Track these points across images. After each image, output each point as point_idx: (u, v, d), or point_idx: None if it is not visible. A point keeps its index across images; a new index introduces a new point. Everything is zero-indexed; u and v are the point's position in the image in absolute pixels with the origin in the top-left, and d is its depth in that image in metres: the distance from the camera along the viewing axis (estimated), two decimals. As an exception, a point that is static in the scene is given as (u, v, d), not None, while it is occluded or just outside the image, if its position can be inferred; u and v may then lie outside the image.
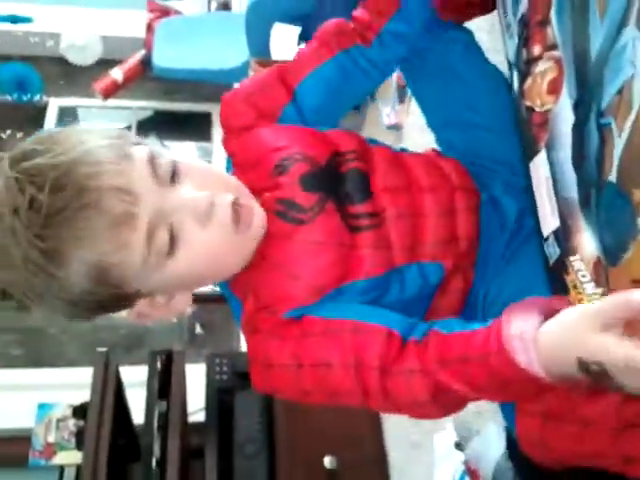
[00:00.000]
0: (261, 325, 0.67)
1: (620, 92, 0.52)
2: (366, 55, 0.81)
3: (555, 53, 0.61)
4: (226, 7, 3.15)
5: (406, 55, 0.84)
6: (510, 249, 0.76)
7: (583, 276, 0.57)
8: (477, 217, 0.76)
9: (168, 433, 1.66)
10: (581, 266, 0.58)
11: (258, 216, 0.69)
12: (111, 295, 0.63)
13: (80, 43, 2.90)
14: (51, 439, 1.83)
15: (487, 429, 1.38)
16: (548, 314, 0.54)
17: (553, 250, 0.62)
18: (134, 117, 3.26)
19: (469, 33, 0.85)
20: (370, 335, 0.63)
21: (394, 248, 0.71)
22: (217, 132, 3.12)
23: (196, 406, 1.83)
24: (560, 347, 0.52)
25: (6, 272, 0.62)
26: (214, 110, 2.76)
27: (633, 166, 0.51)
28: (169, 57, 2.53)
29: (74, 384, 1.91)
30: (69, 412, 1.85)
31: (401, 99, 1.91)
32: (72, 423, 1.84)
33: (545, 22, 0.63)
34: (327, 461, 1.76)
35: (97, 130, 0.65)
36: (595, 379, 0.51)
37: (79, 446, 1.79)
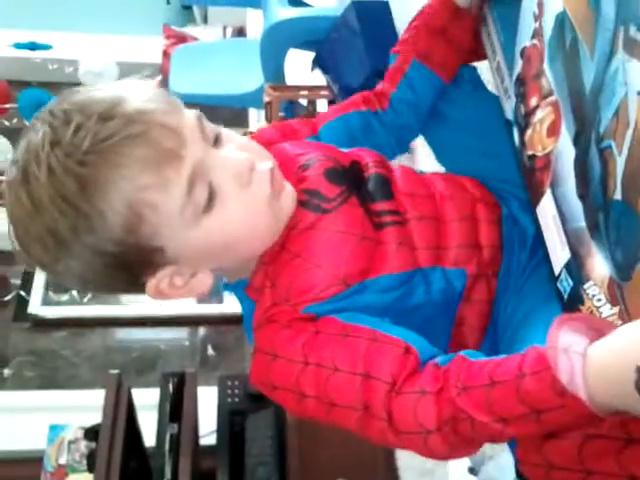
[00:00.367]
0: (278, 317, 0.66)
1: (616, 113, 0.53)
2: (383, 119, 0.85)
3: (551, 98, 0.63)
4: (241, 33, 3.20)
5: (416, 125, 0.87)
6: (529, 266, 0.76)
7: (599, 300, 0.57)
8: (499, 228, 0.76)
9: (179, 456, 1.65)
10: (595, 291, 0.58)
11: (288, 190, 0.69)
12: (138, 250, 0.61)
13: (97, 69, 2.94)
14: (62, 461, 1.83)
15: (501, 455, 1.37)
16: (594, 335, 0.49)
17: (567, 284, 0.62)
18: (150, 142, 3.28)
19: (471, 67, 0.89)
20: (386, 347, 0.61)
21: (417, 248, 0.70)
22: (231, 156, 3.14)
23: (208, 429, 1.82)
24: (614, 362, 0.46)
25: (28, 218, 0.61)
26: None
27: (636, 177, 0.51)
28: (185, 82, 2.56)
29: (86, 406, 1.91)
30: (80, 434, 1.84)
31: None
32: (83, 445, 1.84)
33: (539, 74, 0.65)
34: (339, 485, 1.74)
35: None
36: None
37: (90, 468, 1.78)
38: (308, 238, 0.68)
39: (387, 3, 1.96)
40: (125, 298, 2.51)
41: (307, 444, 1.73)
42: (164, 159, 0.59)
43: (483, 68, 0.90)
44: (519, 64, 0.71)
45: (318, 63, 2.17)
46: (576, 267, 0.60)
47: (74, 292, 2.49)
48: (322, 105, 2.20)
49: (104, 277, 0.64)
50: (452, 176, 0.81)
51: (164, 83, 2.77)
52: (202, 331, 2.56)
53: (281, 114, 2.11)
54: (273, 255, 0.69)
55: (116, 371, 1.79)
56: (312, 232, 0.68)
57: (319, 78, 2.18)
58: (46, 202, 0.59)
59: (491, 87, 0.89)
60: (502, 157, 0.82)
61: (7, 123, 2.86)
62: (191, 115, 0.63)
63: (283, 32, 2.22)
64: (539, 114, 0.65)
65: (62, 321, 2.46)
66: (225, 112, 3.03)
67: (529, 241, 0.77)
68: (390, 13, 1.94)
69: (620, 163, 0.52)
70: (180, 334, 2.56)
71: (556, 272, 0.64)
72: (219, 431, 1.78)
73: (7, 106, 2.81)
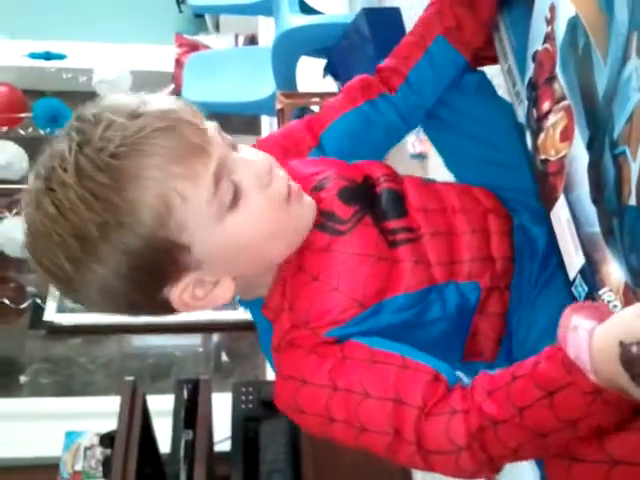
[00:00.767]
0: (300, 341, 0.66)
1: (630, 119, 0.53)
2: (391, 103, 0.83)
3: (564, 103, 0.63)
4: (253, 41, 3.22)
5: (430, 104, 0.84)
6: (541, 278, 0.76)
7: (614, 306, 0.57)
8: (511, 240, 0.76)
9: (194, 462, 1.65)
10: (610, 297, 0.58)
11: (309, 201, 0.69)
12: (165, 247, 0.61)
13: (110, 78, 2.97)
14: (78, 467, 1.84)
15: (520, 466, 1.35)
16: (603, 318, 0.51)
17: (582, 289, 0.62)
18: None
19: (481, 72, 0.88)
20: (417, 373, 0.62)
21: (432, 265, 0.70)
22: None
23: (222, 435, 1.82)
24: (606, 338, 0.49)
25: (51, 225, 0.60)
26: (242, 141, 2.80)
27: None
28: (198, 90, 2.58)
29: (101, 413, 1.92)
30: (96, 440, 1.85)
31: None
32: (99, 451, 1.85)
33: (552, 79, 0.65)
34: (354, 492, 1.74)
35: None
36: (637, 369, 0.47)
37: (106, 475, 1.79)
38: (324, 260, 0.68)
39: (398, 10, 1.97)
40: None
41: (321, 451, 1.73)
42: (193, 152, 0.61)
43: (494, 73, 0.89)
44: (531, 68, 0.71)
45: (330, 70, 2.17)
46: (591, 273, 0.60)
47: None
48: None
49: (127, 284, 0.62)
50: (464, 187, 0.81)
51: (177, 91, 2.79)
52: (216, 338, 2.56)
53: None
54: (290, 275, 0.69)
55: (131, 378, 1.80)
56: (328, 254, 0.68)
57: (331, 85, 2.18)
58: (73, 204, 0.59)
59: (502, 92, 0.88)
60: (513, 165, 0.82)
61: (22, 132, 2.89)
62: (210, 122, 0.65)
63: (295, 39, 2.23)
64: (552, 118, 0.65)
65: (77, 328, 2.47)
66: (237, 120, 3.04)
67: (540, 252, 0.77)
68: (401, 20, 1.94)
69: (635, 169, 0.52)
70: (194, 341, 2.56)
71: (571, 277, 0.64)
72: (233, 437, 1.79)
73: (22, 115, 2.83)
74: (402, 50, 0.84)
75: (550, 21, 0.67)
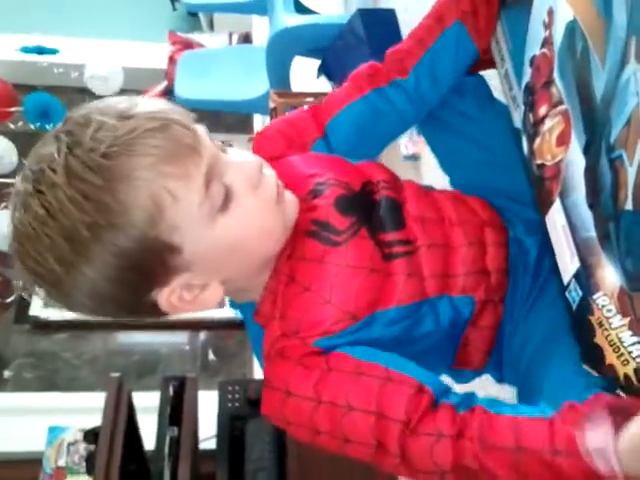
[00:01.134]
0: (289, 352, 0.66)
1: (628, 123, 0.53)
2: (401, 89, 0.81)
3: (561, 107, 0.63)
4: (247, 40, 3.21)
5: (441, 94, 0.82)
6: (533, 290, 0.76)
7: (609, 311, 0.57)
8: (506, 252, 0.76)
9: (179, 460, 1.65)
10: (605, 301, 0.58)
11: (292, 198, 0.69)
12: (156, 248, 0.61)
13: (103, 74, 2.95)
14: (61, 463, 1.82)
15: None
16: (618, 414, 0.53)
17: (576, 294, 0.62)
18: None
19: (478, 76, 0.87)
20: (399, 387, 0.61)
21: (426, 278, 0.70)
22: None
23: (207, 433, 1.82)
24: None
25: (39, 228, 0.60)
26: (235, 139, 2.80)
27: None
28: (191, 88, 2.57)
29: (86, 408, 1.91)
30: (80, 436, 1.84)
31: (419, 130, 1.93)
32: (83, 447, 1.84)
33: (549, 83, 0.65)
34: (338, 492, 1.74)
35: None
36: None
37: (89, 471, 1.78)
38: (317, 271, 0.68)
39: (393, 11, 1.97)
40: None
41: (307, 450, 1.73)
42: (184, 153, 0.60)
43: (490, 75, 0.90)
44: (528, 73, 0.71)
45: (324, 70, 2.18)
46: (585, 277, 0.60)
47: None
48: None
49: (116, 286, 0.62)
50: (461, 198, 0.80)
51: (169, 89, 2.78)
52: (203, 336, 2.55)
53: (286, 121, 2.11)
54: (282, 284, 0.69)
55: (117, 374, 1.79)
56: (321, 265, 0.68)
57: (325, 85, 2.19)
58: (63, 205, 0.58)
59: (498, 94, 0.88)
60: (509, 168, 0.81)
61: (12, 126, 2.86)
62: (200, 125, 0.65)
63: (289, 39, 2.23)
64: (548, 123, 0.65)
65: (63, 323, 2.46)
66: (229, 118, 3.04)
67: (531, 264, 0.77)
68: (396, 21, 1.95)
69: (632, 173, 0.52)
70: (181, 338, 2.55)
71: (565, 282, 0.64)
72: (219, 435, 1.78)
73: (13, 109, 2.81)
74: (417, 33, 0.81)
75: (548, 25, 0.67)
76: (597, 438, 0.53)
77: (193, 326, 2.52)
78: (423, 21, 0.83)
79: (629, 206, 0.53)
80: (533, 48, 0.70)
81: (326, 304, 0.66)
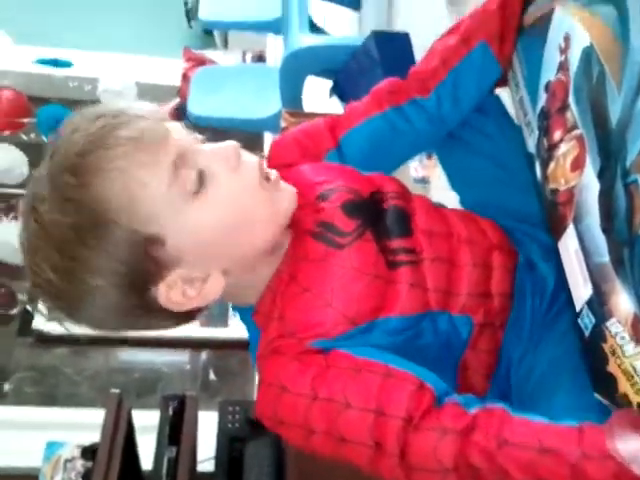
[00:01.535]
0: (285, 349, 0.64)
1: None
2: (421, 109, 0.80)
3: (576, 132, 0.62)
4: (260, 59, 3.23)
5: (462, 116, 0.81)
6: (548, 317, 0.74)
7: (622, 338, 0.56)
8: (513, 277, 0.74)
9: (176, 480, 1.62)
10: (618, 328, 0.56)
11: (289, 189, 0.68)
12: (139, 243, 0.61)
13: (116, 88, 2.97)
14: (57, 479, 1.80)
15: None
16: None
17: (588, 321, 0.61)
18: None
19: (495, 95, 0.86)
20: (400, 383, 0.60)
21: (429, 290, 0.69)
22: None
23: (206, 454, 1.79)
24: None
25: (35, 240, 0.62)
26: (243, 158, 2.81)
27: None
28: (204, 105, 2.58)
29: (84, 424, 1.89)
30: (78, 452, 1.82)
31: (429, 153, 1.92)
32: (80, 464, 1.81)
33: (564, 108, 0.64)
34: (337, 519, 1.70)
35: None
36: None
37: (85, 489, 1.76)
38: (319, 272, 0.67)
39: (407, 34, 1.97)
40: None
41: (307, 473, 1.70)
42: (153, 142, 0.61)
43: (503, 96, 0.88)
44: (543, 98, 0.70)
45: (336, 91, 2.17)
46: (599, 304, 0.59)
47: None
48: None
49: (115, 289, 0.62)
50: (472, 217, 0.79)
51: (182, 105, 2.79)
52: (204, 355, 2.53)
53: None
54: (283, 283, 0.68)
55: (117, 390, 1.77)
56: (323, 266, 0.67)
57: (337, 106, 2.18)
58: (50, 214, 0.60)
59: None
60: (523, 188, 0.80)
61: (25, 138, 2.88)
62: (175, 122, 0.66)
63: (303, 59, 2.24)
64: (563, 148, 0.64)
65: (66, 338, 2.44)
66: (240, 136, 3.02)
67: (549, 292, 0.75)
68: (410, 44, 1.95)
69: (647, 197, 0.51)
70: (182, 357, 2.53)
71: (578, 308, 0.62)
72: (217, 457, 1.76)
73: (25, 120, 2.83)
74: (441, 53, 0.80)
75: (564, 50, 0.66)
76: (629, 443, 0.52)
77: (194, 345, 2.50)
78: (447, 41, 0.81)
79: (644, 230, 0.52)
80: (548, 73, 0.70)
81: (327, 307, 0.65)
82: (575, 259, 0.62)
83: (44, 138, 3.10)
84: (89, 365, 2.44)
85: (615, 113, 0.55)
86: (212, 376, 2.45)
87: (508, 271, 0.74)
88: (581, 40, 0.62)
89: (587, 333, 0.61)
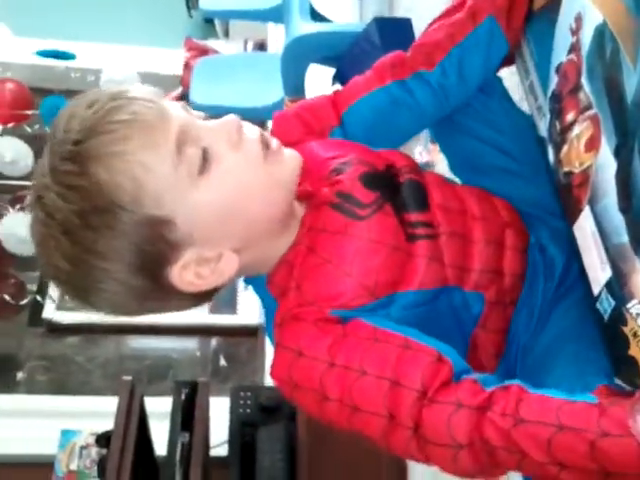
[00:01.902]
0: (305, 315, 0.64)
1: None
2: (425, 82, 0.78)
3: (589, 112, 0.62)
4: (262, 47, 3.22)
5: (468, 92, 0.80)
6: (557, 296, 0.75)
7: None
8: (525, 257, 0.74)
9: (190, 465, 1.64)
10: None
11: (288, 152, 0.67)
12: (149, 226, 0.60)
13: (118, 78, 2.97)
14: (73, 466, 1.82)
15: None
16: None
17: (607, 304, 0.60)
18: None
19: (498, 78, 0.85)
20: (418, 354, 0.60)
21: (446, 265, 0.69)
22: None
23: (219, 439, 1.81)
24: None
25: (44, 229, 0.62)
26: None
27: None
28: (206, 94, 2.58)
29: (98, 412, 1.91)
30: (92, 440, 1.84)
31: (433, 138, 1.92)
32: (95, 451, 1.83)
33: (576, 89, 0.64)
34: (349, 500, 1.73)
35: None
36: None
37: (101, 475, 1.78)
38: (339, 244, 0.66)
39: (409, 20, 1.97)
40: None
41: (319, 456, 1.72)
42: (151, 124, 0.61)
43: (505, 77, 0.87)
44: (554, 81, 0.70)
45: (338, 78, 2.17)
46: (618, 285, 0.58)
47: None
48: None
49: (128, 272, 0.62)
50: (485, 195, 0.78)
51: (184, 94, 2.79)
52: (215, 342, 2.55)
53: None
54: (298, 255, 0.67)
55: (129, 377, 1.79)
56: (344, 238, 0.67)
57: (340, 93, 2.18)
58: (55, 202, 0.60)
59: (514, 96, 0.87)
60: (528, 177, 0.81)
61: (29, 129, 2.88)
62: (176, 102, 0.66)
63: (304, 47, 2.23)
64: (576, 129, 0.64)
65: (76, 327, 2.46)
66: (243, 124, 3.04)
67: (557, 271, 0.75)
68: (412, 31, 1.94)
69: (668, 172, 0.51)
70: (193, 344, 2.55)
71: (595, 293, 0.62)
72: (230, 442, 1.77)
73: (29, 112, 2.83)
74: (447, 27, 0.78)
75: (576, 31, 0.66)
76: None
77: (204, 332, 2.52)
78: (452, 15, 0.80)
79: (665, 207, 0.52)
80: (560, 55, 0.69)
81: (346, 277, 0.65)
82: (592, 242, 0.62)
83: (48, 129, 3.10)
84: (100, 353, 2.46)
85: (631, 89, 0.55)
86: (222, 362, 2.46)
87: (520, 251, 0.75)
88: (593, 18, 0.61)
89: (606, 317, 0.60)
